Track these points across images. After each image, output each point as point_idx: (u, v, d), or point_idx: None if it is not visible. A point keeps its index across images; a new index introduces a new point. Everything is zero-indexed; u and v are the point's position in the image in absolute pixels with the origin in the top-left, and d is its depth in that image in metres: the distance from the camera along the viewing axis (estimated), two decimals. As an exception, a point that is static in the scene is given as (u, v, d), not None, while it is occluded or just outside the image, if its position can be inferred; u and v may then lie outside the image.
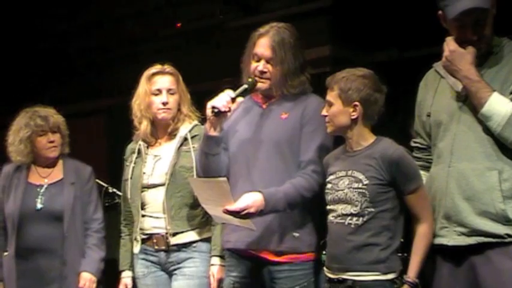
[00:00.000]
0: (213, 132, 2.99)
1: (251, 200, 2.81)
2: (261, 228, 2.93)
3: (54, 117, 3.78)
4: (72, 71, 7.19)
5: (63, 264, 3.65)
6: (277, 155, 2.97)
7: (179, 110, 3.41)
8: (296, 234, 2.96)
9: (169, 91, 3.38)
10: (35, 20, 6.64)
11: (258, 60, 3.01)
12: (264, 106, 3.08)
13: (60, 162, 3.83)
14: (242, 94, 2.98)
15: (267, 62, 2.99)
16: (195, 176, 3.21)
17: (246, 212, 2.79)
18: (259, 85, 3.01)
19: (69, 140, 3.85)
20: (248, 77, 3.02)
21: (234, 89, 2.96)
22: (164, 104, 3.36)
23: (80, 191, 3.75)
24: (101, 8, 6.70)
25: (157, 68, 3.43)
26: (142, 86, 3.41)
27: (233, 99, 2.94)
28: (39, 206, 3.69)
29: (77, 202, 3.73)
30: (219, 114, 2.92)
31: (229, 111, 2.94)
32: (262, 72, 3.00)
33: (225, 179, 2.84)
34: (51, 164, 3.81)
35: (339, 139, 2.90)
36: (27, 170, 3.80)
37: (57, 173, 3.80)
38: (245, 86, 2.99)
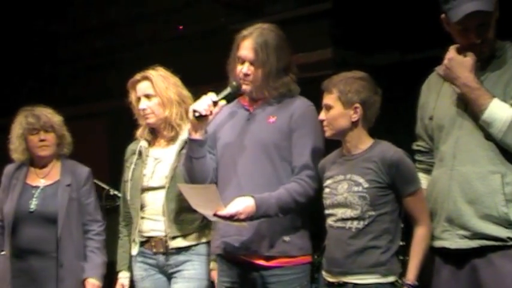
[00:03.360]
0: (195, 136, 2.96)
1: (242, 206, 2.79)
2: (250, 233, 2.90)
3: (48, 116, 3.74)
4: (75, 73, 7.19)
5: (60, 266, 3.61)
6: (265, 159, 2.94)
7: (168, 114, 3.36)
8: (287, 239, 2.93)
9: (146, 96, 3.38)
10: (36, 21, 6.63)
11: (243, 63, 2.98)
12: (251, 109, 3.05)
13: (58, 163, 3.80)
14: (226, 98, 2.96)
15: (251, 64, 2.96)
16: None
17: (236, 218, 2.78)
18: (243, 87, 2.98)
19: (71, 141, 3.81)
20: (232, 81, 3.00)
21: (217, 92, 2.95)
22: (142, 110, 3.37)
23: (76, 192, 3.71)
24: (103, 11, 6.70)
25: (138, 75, 3.43)
26: (131, 95, 3.45)
27: (215, 103, 2.92)
28: (32, 207, 3.66)
29: (73, 204, 3.69)
30: (201, 117, 2.91)
31: (210, 114, 2.92)
32: (245, 75, 2.97)
33: (213, 184, 2.83)
34: (47, 164, 3.78)
35: (331, 143, 2.89)
36: (27, 170, 3.77)
37: (54, 174, 3.77)
38: (228, 89, 2.97)
